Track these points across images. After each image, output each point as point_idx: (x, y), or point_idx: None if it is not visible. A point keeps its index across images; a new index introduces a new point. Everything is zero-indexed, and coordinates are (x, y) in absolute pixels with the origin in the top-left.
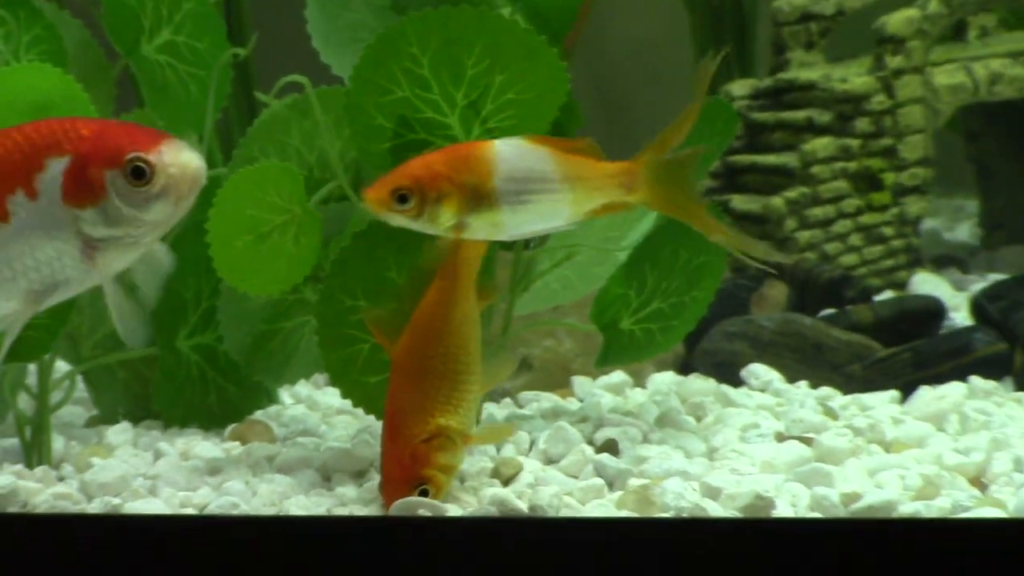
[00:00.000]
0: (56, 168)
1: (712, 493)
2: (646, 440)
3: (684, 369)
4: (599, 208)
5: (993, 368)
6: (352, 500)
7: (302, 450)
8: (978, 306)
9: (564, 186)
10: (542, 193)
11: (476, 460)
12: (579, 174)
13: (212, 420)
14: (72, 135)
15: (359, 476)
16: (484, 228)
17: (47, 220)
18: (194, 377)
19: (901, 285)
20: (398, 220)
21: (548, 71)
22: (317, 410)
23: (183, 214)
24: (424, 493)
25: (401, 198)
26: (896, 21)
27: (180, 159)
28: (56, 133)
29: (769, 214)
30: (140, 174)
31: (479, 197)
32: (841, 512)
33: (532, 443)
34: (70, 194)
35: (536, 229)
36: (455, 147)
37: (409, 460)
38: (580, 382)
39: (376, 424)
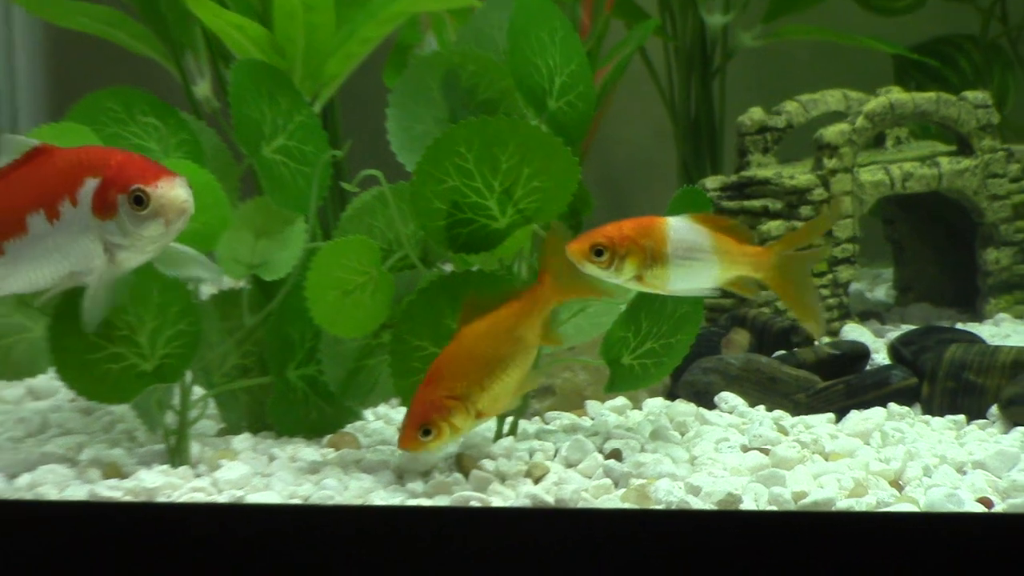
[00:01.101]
0: (90, 186)
1: (694, 491)
2: (643, 450)
3: (671, 396)
4: (734, 278)
5: (906, 397)
6: (419, 494)
7: (381, 455)
8: (894, 349)
9: (715, 257)
10: (699, 260)
11: (513, 464)
12: (727, 249)
13: (313, 431)
14: (103, 163)
15: (424, 476)
16: (655, 282)
17: (82, 224)
18: (300, 399)
19: (835, 333)
20: (592, 269)
21: (564, 166)
22: (392, 424)
23: (175, 233)
24: (426, 434)
25: (598, 252)
26: (831, 132)
27: (171, 193)
28: (94, 159)
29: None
30: (139, 201)
31: (655, 258)
32: (792, 506)
33: (556, 451)
34: (96, 208)
35: (691, 288)
36: (641, 219)
37: (429, 405)
38: (592, 405)
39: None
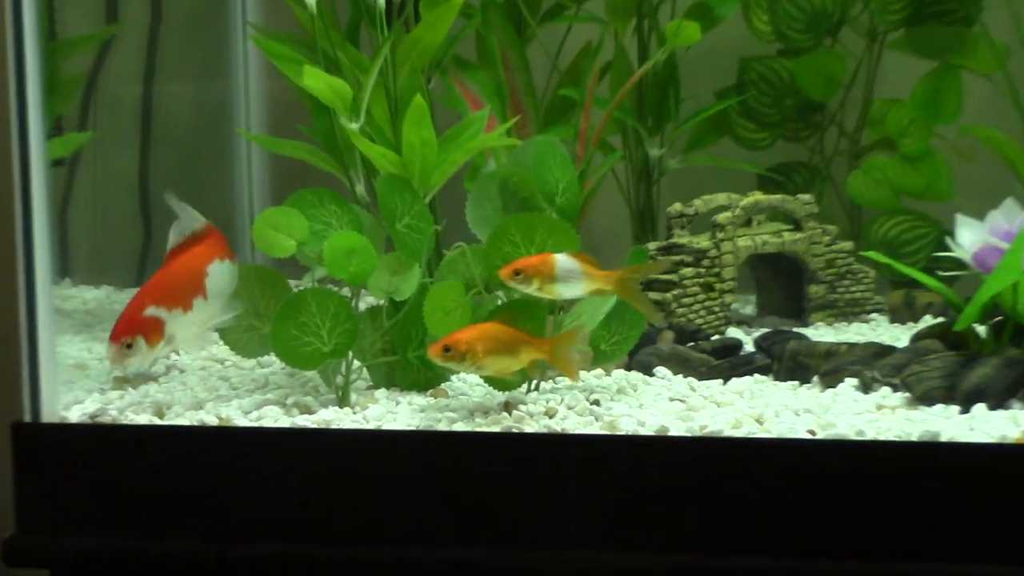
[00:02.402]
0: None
1: (641, 424)
2: (612, 400)
3: (628, 368)
4: (594, 289)
5: (764, 371)
6: (485, 425)
7: (464, 401)
8: (756, 343)
9: (583, 277)
10: (574, 279)
11: (537, 407)
12: (589, 273)
13: (422, 388)
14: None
15: (486, 413)
16: (550, 292)
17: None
18: (415, 369)
19: (722, 333)
20: (514, 285)
21: (568, 237)
22: (468, 383)
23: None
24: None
25: (516, 273)
26: (721, 217)
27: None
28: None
29: (665, 301)
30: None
31: (549, 277)
32: (699, 433)
33: (562, 400)
34: None
35: (570, 296)
36: (541, 255)
37: (448, 341)
38: (584, 374)
39: (498, 394)
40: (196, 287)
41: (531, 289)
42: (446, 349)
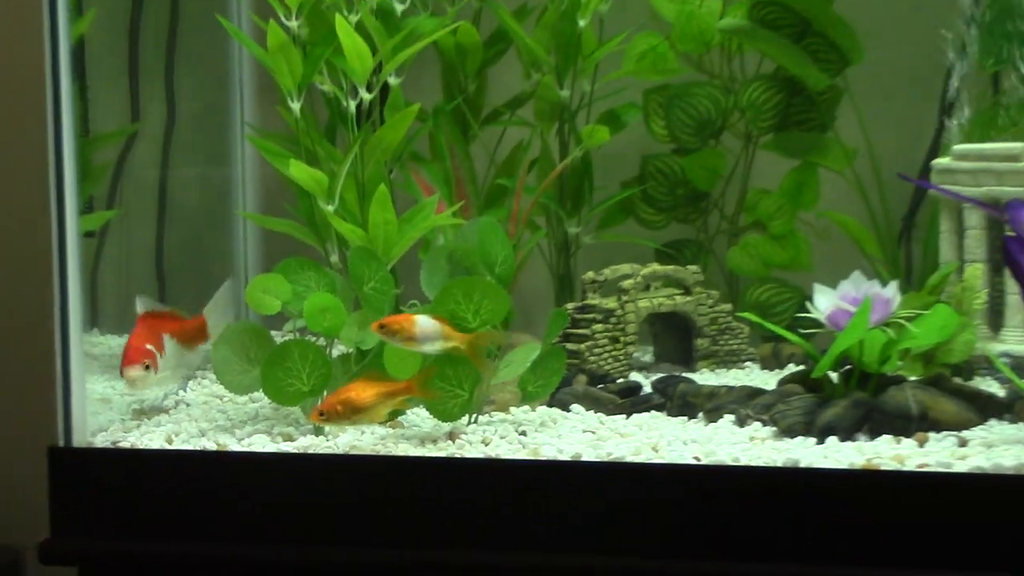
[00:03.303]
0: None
1: (560, 451)
2: (536, 431)
3: (550, 405)
4: (450, 347)
5: (660, 408)
6: (433, 450)
7: (416, 431)
8: (653, 385)
9: (440, 336)
10: (432, 338)
11: (475, 437)
12: (446, 332)
13: (383, 420)
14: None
15: (435, 441)
16: (411, 346)
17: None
18: None
19: (626, 378)
20: (382, 337)
21: (501, 299)
22: (420, 416)
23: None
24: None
25: (381, 328)
26: (626, 284)
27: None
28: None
29: (580, 351)
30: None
31: (409, 335)
32: (607, 459)
33: (495, 432)
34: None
35: (428, 351)
36: (407, 315)
37: (321, 408)
38: (514, 410)
39: (444, 425)
40: (159, 346)
41: (395, 342)
42: (321, 414)
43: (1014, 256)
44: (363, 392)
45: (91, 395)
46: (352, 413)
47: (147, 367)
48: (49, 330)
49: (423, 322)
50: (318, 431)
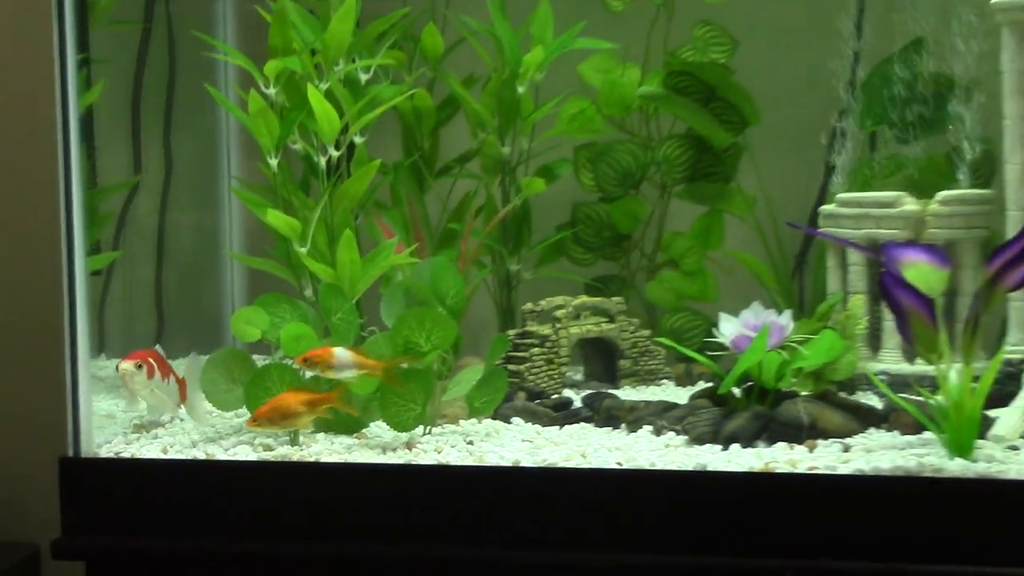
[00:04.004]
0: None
1: (503, 458)
2: (481, 441)
3: (493, 418)
4: (364, 373)
5: (588, 420)
6: (393, 457)
7: (379, 441)
8: (583, 400)
9: (355, 366)
10: (347, 367)
11: (430, 446)
12: (360, 362)
13: (349, 431)
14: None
15: (394, 449)
16: (331, 376)
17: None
18: (344, 418)
19: (559, 394)
20: (305, 368)
21: (449, 327)
22: (382, 428)
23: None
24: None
25: (305, 361)
26: (559, 313)
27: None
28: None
29: (520, 372)
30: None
31: (327, 365)
32: (543, 464)
33: (447, 441)
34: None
35: (345, 378)
36: (325, 348)
37: (254, 416)
38: (463, 422)
39: (402, 435)
40: (152, 369)
41: (317, 371)
42: (254, 421)
43: (889, 289)
44: (291, 401)
45: (97, 411)
46: (281, 419)
47: (139, 367)
48: (60, 355)
49: (340, 353)
50: (293, 441)
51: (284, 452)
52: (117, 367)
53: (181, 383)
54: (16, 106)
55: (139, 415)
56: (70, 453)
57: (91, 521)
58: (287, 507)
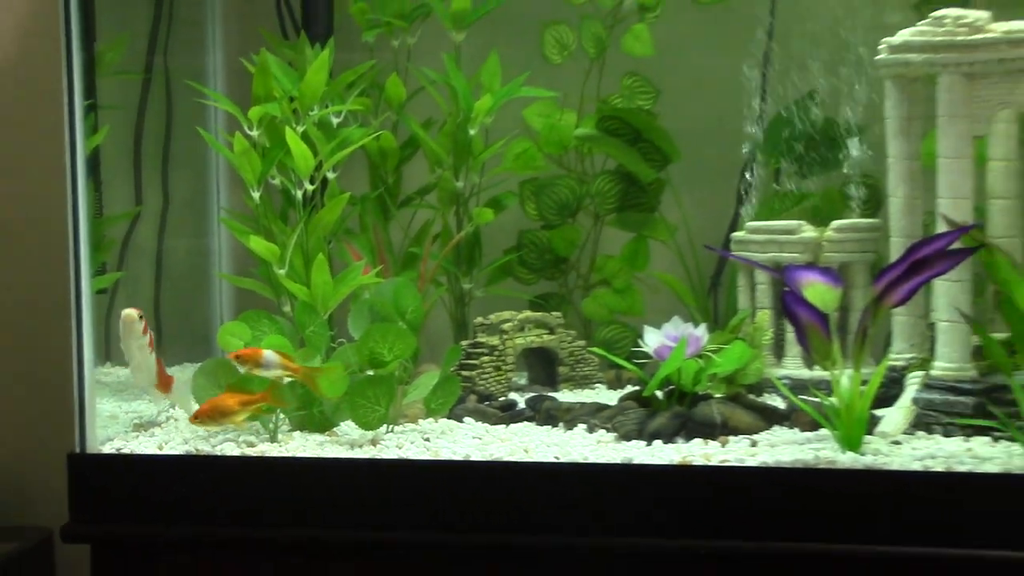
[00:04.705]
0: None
1: (455, 453)
2: (437, 438)
3: (448, 418)
4: (287, 374)
5: (531, 420)
6: (360, 453)
7: (347, 439)
8: (527, 402)
9: (280, 365)
10: (274, 367)
11: (391, 442)
12: (285, 364)
13: (322, 430)
14: None
15: (361, 446)
16: (260, 374)
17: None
18: (316, 418)
19: (505, 397)
20: (237, 365)
21: (409, 339)
22: (351, 427)
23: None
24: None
25: (237, 358)
26: (506, 326)
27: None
28: None
29: (472, 377)
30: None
31: (255, 364)
32: (489, 458)
33: (407, 438)
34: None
35: (271, 376)
36: (255, 348)
37: (196, 413)
38: (422, 421)
39: (368, 433)
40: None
41: (247, 369)
42: (196, 418)
43: (790, 306)
44: (228, 401)
45: (101, 413)
46: (220, 417)
47: (141, 317)
48: (69, 363)
49: (268, 355)
50: (273, 438)
51: (264, 448)
52: (120, 314)
53: (159, 363)
54: (32, 147)
55: (139, 416)
56: (77, 450)
57: (95, 509)
58: (267, 497)
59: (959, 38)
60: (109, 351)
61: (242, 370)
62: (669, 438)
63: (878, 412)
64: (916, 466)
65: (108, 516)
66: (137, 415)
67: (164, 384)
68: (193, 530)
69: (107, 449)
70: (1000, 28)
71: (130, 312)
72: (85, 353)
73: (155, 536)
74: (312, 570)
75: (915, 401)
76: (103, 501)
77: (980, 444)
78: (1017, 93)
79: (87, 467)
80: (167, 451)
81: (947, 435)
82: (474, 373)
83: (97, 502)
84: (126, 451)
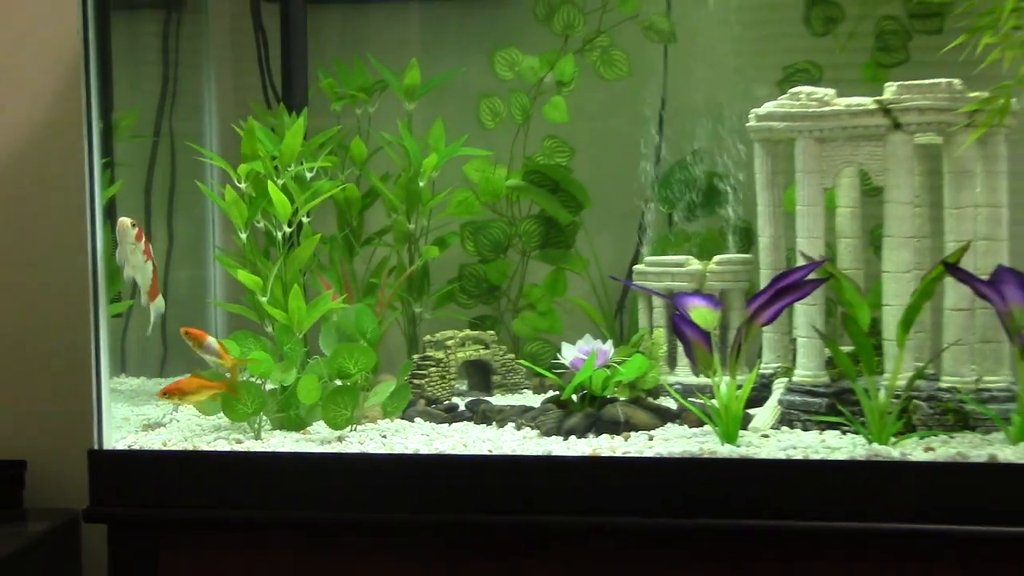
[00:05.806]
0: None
1: (407, 448)
2: (392, 435)
3: (402, 419)
4: (219, 363)
5: (470, 420)
6: (329, 448)
7: (319, 436)
8: (467, 405)
9: (217, 353)
10: (213, 353)
11: (356, 439)
12: (221, 354)
13: (298, 429)
14: None
15: (329, 442)
16: (201, 353)
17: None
18: (293, 419)
19: (449, 400)
20: (185, 340)
21: (369, 355)
22: (322, 427)
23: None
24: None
25: (186, 334)
26: (450, 342)
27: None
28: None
29: (421, 385)
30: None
31: (202, 345)
32: (435, 452)
33: (368, 436)
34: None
35: (210, 361)
36: (202, 332)
37: (163, 390)
38: (380, 422)
39: (336, 431)
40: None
41: (191, 344)
42: (164, 393)
43: (679, 325)
44: (190, 384)
45: (116, 416)
46: (181, 395)
47: (134, 225)
48: (90, 374)
49: (210, 341)
50: (257, 436)
51: (251, 445)
52: (118, 220)
53: (155, 272)
54: (57, 199)
55: (147, 418)
56: (96, 447)
57: (111, 495)
58: (252, 485)
59: (811, 109)
60: (124, 364)
61: (189, 343)
62: (582, 434)
63: (751, 411)
64: (781, 455)
65: (121, 502)
66: (145, 418)
67: (153, 293)
68: (191, 512)
69: (121, 446)
70: (843, 102)
71: (123, 220)
72: (103, 366)
73: (160, 517)
74: (286, 543)
75: (780, 402)
76: (117, 489)
77: (831, 436)
78: (858, 154)
79: (104, 461)
80: (170, 447)
81: (805, 430)
82: (423, 381)
83: (113, 490)
84: (136, 447)
